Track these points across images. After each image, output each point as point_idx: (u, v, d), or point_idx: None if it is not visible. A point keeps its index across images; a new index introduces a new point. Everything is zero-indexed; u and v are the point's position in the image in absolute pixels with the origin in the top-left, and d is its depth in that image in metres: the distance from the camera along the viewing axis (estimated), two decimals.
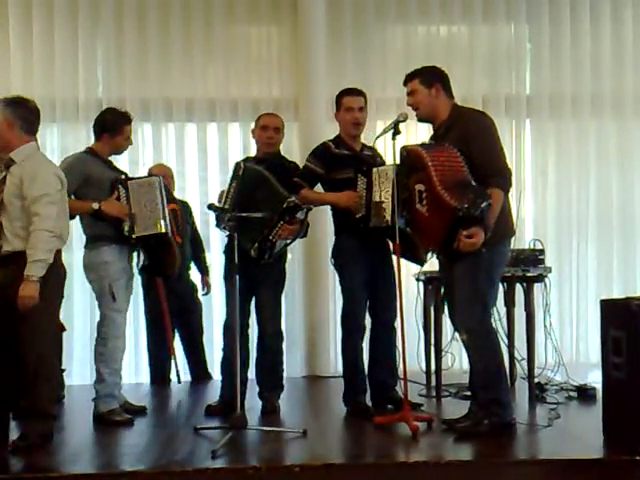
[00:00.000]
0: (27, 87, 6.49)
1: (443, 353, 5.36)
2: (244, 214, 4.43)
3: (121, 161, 6.04)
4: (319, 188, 5.00)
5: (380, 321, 4.87)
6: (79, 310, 6.41)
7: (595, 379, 4.85)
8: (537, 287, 5.24)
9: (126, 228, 4.62)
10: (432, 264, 4.62)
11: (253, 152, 5.26)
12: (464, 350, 4.47)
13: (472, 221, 3.92)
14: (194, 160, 6.73)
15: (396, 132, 4.39)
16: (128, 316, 4.89)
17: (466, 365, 4.48)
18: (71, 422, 4.88)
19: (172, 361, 6.04)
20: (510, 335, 5.45)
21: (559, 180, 6.84)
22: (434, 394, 5.31)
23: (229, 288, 4.82)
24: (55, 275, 4.07)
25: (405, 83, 4.41)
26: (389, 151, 4.64)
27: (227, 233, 4.65)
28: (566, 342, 6.54)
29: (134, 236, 4.62)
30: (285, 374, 5.18)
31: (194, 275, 6.22)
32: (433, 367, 5.45)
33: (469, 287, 4.13)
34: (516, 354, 5.44)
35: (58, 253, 4.09)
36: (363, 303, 4.83)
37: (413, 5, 6.81)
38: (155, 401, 5.48)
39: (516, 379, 5.52)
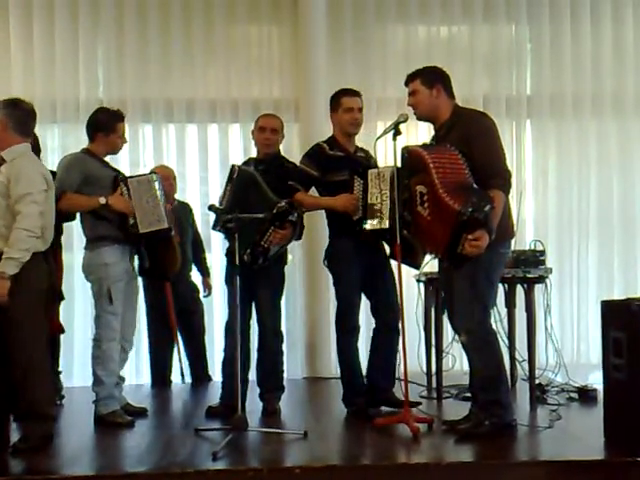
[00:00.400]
0: (28, 87, 6.51)
1: (444, 354, 5.35)
2: (243, 215, 4.43)
3: (122, 162, 6.07)
4: (314, 190, 4.99)
5: (383, 322, 4.87)
6: (79, 312, 6.41)
7: (596, 380, 4.85)
8: (538, 288, 5.23)
9: (131, 223, 4.61)
10: (432, 265, 4.61)
11: (254, 153, 5.26)
12: (464, 351, 4.47)
13: (476, 225, 3.90)
14: (195, 161, 6.73)
15: (397, 133, 4.39)
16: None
17: (467, 366, 4.47)
18: (71, 424, 4.88)
19: (179, 361, 6.05)
20: (511, 336, 5.45)
21: (560, 180, 6.83)
22: (435, 395, 5.30)
23: (230, 290, 4.82)
24: (34, 276, 4.05)
25: (406, 83, 4.40)
26: (389, 152, 4.65)
27: (223, 235, 4.66)
28: (567, 343, 6.53)
29: (139, 232, 4.62)
30: (286, 375, 5.18)
31: (195, 276, 6.21)
32: (434, 368, 5.45)
33: (468, 289, 4.13)
34: (517, 355, 5.43)
35: (40, 254, 4.06)
36: (357, 305, 4.83)
37: (413, 5, 6.80)
38: (156, 403, 5.48)
39: (517, 380, 5.52)
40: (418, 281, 5.53)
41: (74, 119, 6.52)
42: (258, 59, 6.78)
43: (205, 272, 6.24)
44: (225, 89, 6.75)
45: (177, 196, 6.07)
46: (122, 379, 4.96)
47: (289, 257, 5.20)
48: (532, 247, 5.35)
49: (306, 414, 5.14)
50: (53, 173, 4.81)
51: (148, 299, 5.99)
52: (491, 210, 3.92)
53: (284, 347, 5.08)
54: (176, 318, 6.04)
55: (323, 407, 5.43)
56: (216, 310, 6.37)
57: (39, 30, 6.60)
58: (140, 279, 5.12)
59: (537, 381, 5.19)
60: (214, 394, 5.16)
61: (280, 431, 4.44)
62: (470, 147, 4.08)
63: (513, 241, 4.46)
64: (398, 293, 4.48)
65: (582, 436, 4.21)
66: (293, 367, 6.34)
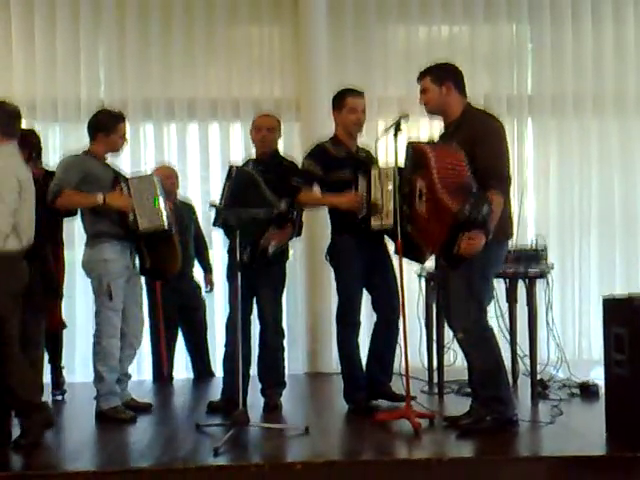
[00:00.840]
0: (29, 87, 6.53)
1: (445, 349, 5.35)
2: (242, 211, 4.46)
3: (123, 160, 6.07)
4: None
5: (383, 318, 4.88)
6: (81, 308, 6.42)
7: (598, 376, 4.84)
8: (539, 284, 5.22)
9: (131, 219, 4.62)
10: (434, 260, 4.62)
11: (254, 152, 5.26)
12: (461, 349, 4.47)
13: (473, 226, 3.90)
14: (196, 160, 6.74)
15: (398, 131, 4.40)
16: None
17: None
18: (73, 419, 4.90)
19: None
20: (512, 332, 5.45)
21: (561, 179, 6.84)
22: (436, 391, 5.31)
23: (231, 286, 4.83)
24: (12, 276, 4.03)
25: (418, 80, 4.40)
26: (390, 150, 4.65)
27: (223, 232, 4.68)
28: (568, 339, 6.53)
29: (139, 230, 4.63)
30: (287, 371, 5.20)
31: (197, 273, 6.22)
32: (435, 364, 5.44)
33: (464, 287, 4.13)
34: (518, 351, 5.44)
35: (14, 253, 4.04)
36: (358, 300, 4.85)
37: (414, 5, 6.82)
38: (157, 398, 5.47)
39: (518, 376, 5.52)
40: (419, 276, 5.53)
41: (75, 118, 6.54)
42: (259, 58, 6.79)
43: (207, 268, 6.26)
44: (226, 88, 6.76)
45: (179, 194, 6.08)
46: (128, 376, 4.97)
47: (290, 252, 5.21)
48: (534, 243, 5.36)
49: (307, 409, 5.14)
50: (53, 173, 4.85)
51: (149, 296, 5.99)
52: (489, 212, 3.91)
53: (285, 343, 5.09)
54: (178, 315, 6.06)
55: (324, 403, 5.43)
56: (217, 306, 6.37)
57: (40, 30, 6.62)
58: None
59: (539, 377, 5.18)
60: (215, 390, 5.16)
61: (281, 427, 4.46)
62: (474, 148, 4.07)
63: (515, 237, 4.46)
64: (399, 289, 4.48)
65: (584, 432, 4.21)
66: (294, 362, 6.35)
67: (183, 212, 5.93)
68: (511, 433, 4.16)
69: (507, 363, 4.44)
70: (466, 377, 4.59)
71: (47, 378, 5.27)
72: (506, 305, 5.39)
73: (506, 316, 5.36)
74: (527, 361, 5.22)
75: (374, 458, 3.91)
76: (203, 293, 6.23)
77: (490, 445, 3.99)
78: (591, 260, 6.79)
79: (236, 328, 4.40)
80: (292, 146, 6.58)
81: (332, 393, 5.44)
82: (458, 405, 4.66)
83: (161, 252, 4.85)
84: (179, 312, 6.07)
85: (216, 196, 5.22)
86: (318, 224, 5.68)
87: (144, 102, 6.65)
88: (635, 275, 6.72)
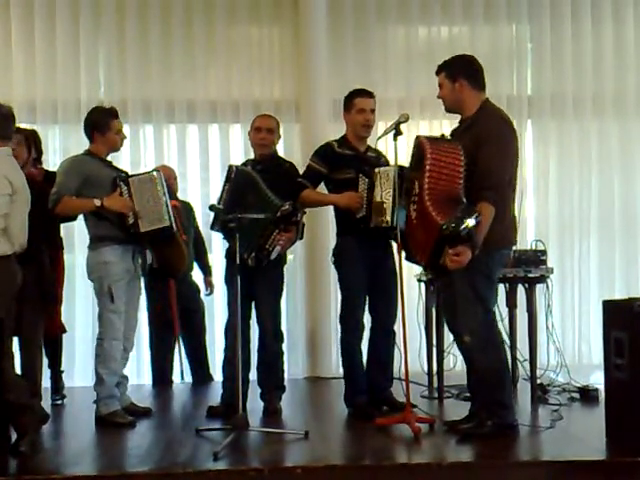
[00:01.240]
0: (29, 88, 6.52)
1: (445, 354, 5.35)
2: (242, 215, 4.44)
3: (123, 162, 6.07)
4: (322, 188, 5.01)
5: (379, 324, 4.89)
6: (81, 311, 6.41)
7: (597, 380, 4.84)
8: (539, 288, 5.23)
9: (130, 222, 4.61)
10: None
11: (253, 153, 5.25)
12: (462, 353, 4.46)
13: (458, 240, 3.89)
14: (195, 161, 6.73)
15: (397, 133, 4.40)
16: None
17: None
18: (73, 424, 4.89)
19: (179, 361, 6.06)
20: (512, 336, 5.43)
21: (561, 180, 6.83)
22: (436, 395, 5.30)
23: (230, 290, 4.82)
24: (2, 279, 4.02)
25: (436, 74, 4.37)
26: (390, 152, 4.64)
27: (222, 235, 4.66)
28: (568, 343, 6.53)
29: (140, 231, 4.62)
30: (287, 375, 5.20)
31: (196, 276, 6.21)
32: (435, 368, 5.44)
33: (469, 290, 4.12)
34: (518, 355, 5.43)
35: (8, 258, 4.03)
36: (361, 302, 4.84)
37: (414, 6, 6.80)
38: (157, 402, 5.47)
39: (518, 380, 5.52)
40: (419, 281, 5.53)
41: (75, 120, 6.50)
42: (259, 60, 6.78)
43: (207, 271, 6.25)
44: (226, 90, 6.75)
45: (178, 196, 6.06)
46: (125, 378, 4.97)
47: (289, 257, 5.21)
48: (533, 247, 5.36)
49: (307, 414, 5.14)
50: (54, 174, 4.84)
51: (149, 299, 5.99)
52: (475, 226, 3.89)
53: (284, 347, 5.09)
54: (178, 317, 6.05)
55: (324, 407, 5.43)
56: (217, 310, 6.37)
57: (40, 31, 6.60)
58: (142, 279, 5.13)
59: (538, 381, 5.20)
60: (215, 394, 5.16)
61: (281, 431, 4.44)
62: (478, 150, 4.06)
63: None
64: (399, 294, 4.47)
65: (583, 436, 4.21)
66: (294, 367, 6.35)
67: (182, 213, 5.91)
68: (511, 438, 4.15)
69: (510, 369, 4.42)
70: (465, 382, 4.58)
71: (46, 383, 5.26)
72: (506, 309, 5.38)
73: (506, 320, 5.34)
74: (527, 365, 5.23)
75: (374, 463, 3.90)
76: (202, 296, 6.22)
77: (490, 450, 3.99)
78: (591, 263, 6.77)
79: (235, 332, 4.39)
80: (292, 147, 6.59)
81: (332, 397, 5.44)
82: (458, 410, 4.65)
83: (166, 251, 4.85)
84: (178, 315, 6.05)
85: (216, 198, 5.21)
86: (319, 227, 5.69)
87: (144, 103, 6.64)
88: (635, 279, 6.71)
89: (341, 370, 5.05)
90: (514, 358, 5.42)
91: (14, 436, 4.10)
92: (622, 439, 3.92)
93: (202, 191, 6.67)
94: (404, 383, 4.37)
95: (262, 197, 4.74)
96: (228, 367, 4.80)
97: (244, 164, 5.13)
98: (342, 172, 4.82)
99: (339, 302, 5.06)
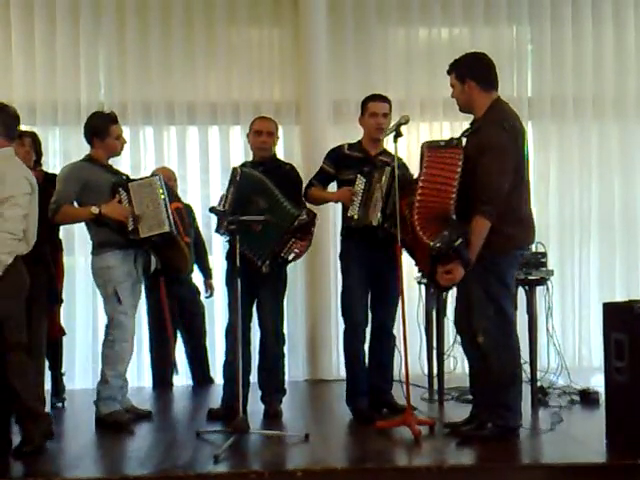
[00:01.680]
0: (29, 90, 6.51)
1: (445, 356, 5.35)
2: (245, 217, 4.44)
3: (123, 164, 6.07)
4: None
5: (379, 326, 4.90)
6: (81, 314, 6.39)
7: (598, 383, 4.84)
8: (539, 290, 5.22)
9: (130, 228, 4.62)
10: None
11: (252, 155, 5.24)
12: (464, 354, 4.46)
13: (446, 259, 3.93)
14: (196, 163, 6.71)
15: (397, 135, 4.40)
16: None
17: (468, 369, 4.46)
18: (73, 426, 4.89)
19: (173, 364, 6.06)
20: None
21: (561, 182, 6.82)
22: (436, 398, 5.30)
23: (231, 292, 4.82)
24: (14, 279, 4.03)
25: (448, 74, 4.36)
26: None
27: (227, 238, 4.66)
28: (568, 345, 6.51)
29: (140, 237, 4.62)
30: (287, 378, 5.19)
31: (196, 278, 6.21)
32: (435, 371, 5.44)
33: (481, 291, 4.13)
34: None
35: (18, 259, 4.05)
36: (358, 302, 4.85)
37: (414, 7, 6.79)
38: (157, 405, 5.47)
39: None
40: (419, 283, 5.53)
41: (75, 122, 6.50)
42: (259, 61, 6.76)
43: (207, 273, 6.24)
44: (226, 91, 6.74)
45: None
46: (125, 381, 4.96)
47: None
48: (534, 249, 5.34)
49: (307, 417, 5.13)
50: (54, 175, 4.85)
51: (149, 301, 5.99)
52: (463, 243, 3.90)
53: (285, 349, 5.08)
54: (177, 320, 6.04)
55: (325, 410, 5.42)
56: (217, 312, 6.36)
57: (40, 33, 6.58)
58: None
59: (539, 384, 5.18)
60: (215, 397, 5.15)
61: (281, 434, 4.45)
62: (479, 159, 4.05)
63: None
64: (400, 297, 4.48)
65: (584, 439, 4.21)
66: (294, 369, 6.33)
67: (184, 212, 5.91)
68: (511, 440, 4.15)
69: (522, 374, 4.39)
70: (466, 384, 4.58)
71: (47, 385, 5.26)
72: None
73: None
74: (527, 368, 5.20)
75: (374, 465, 3.89)
76: (202, 298, 6.22)
77: (490, 452, 4.00)
78: (591, 266, 6.76)
79: (236, 335, 4.40)
80: (292, 149, 6.59)
81: (332, 400, 5.44)
82: (458, 412, 4.65)
83: (168, 254, 4.85)
84: (178, 317, 6.05)
85: (216, 200, 5.19)
86: (320, 229, 5.66)
87: (144, 105, 6.63)
88: (635, 281, 6.70)
89: (342, 372, 5.06)
90: None
91: (14, 438, 4.12)
92: (622, 442, 3.93)
93: (202, 193, 6.65)
94: (404, 386, 4.37)
95: (274, 201, 4.73)
96: (228, 369, 4.80)
97: (243, 165, 5.12)
98: (346, 173, 4.88)
99: (340, 304, 5.07)
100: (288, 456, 4.14)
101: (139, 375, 6.35)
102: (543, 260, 5.21)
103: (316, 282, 6.47)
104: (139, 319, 6.21)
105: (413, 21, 6.82)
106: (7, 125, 4.15)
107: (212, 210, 4.73)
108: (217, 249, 6.38)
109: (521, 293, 5.30)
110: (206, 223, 6.31)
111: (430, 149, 4.20)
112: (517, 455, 4.09)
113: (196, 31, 6.67)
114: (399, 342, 4.77)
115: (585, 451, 3.98)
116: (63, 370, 5.52)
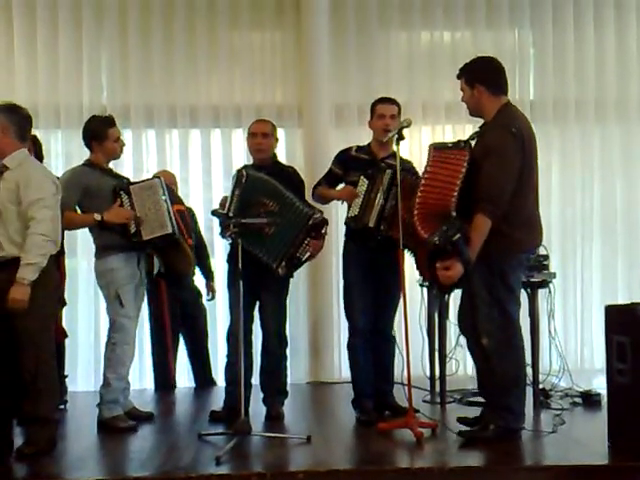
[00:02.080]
0: (31, 93, 6.52)
1: (447, 359, 5.35)
2: (247, 220, 4.44)
3: (125, 167, 6.08)
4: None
5: (378, 329, 4.90)
6: (83, 316, 6.40)
7: (600, 385, 4.84)
8: (541, 292, 5.23)
9: (132, 231, 4.62)
10: None
11: (252, 159, 5.23)
12: (469, 356, 4.46)
13: (444, 254, 3.92)
14: (198, 166, 6.72)
15: (400, 138, 4.41)
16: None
17: (470, 371, 4.46)
18: (75, 428, 4.88)
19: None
20: None
21: (563, 185, 6.82)
22: (438, 400, 5.30)
23: (233, 295, 4.82)
24: (51, 280, 4.10)
25: (458, 78, 4.38)
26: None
27: (231, 241, 4.65)
28: (571, 348, 6.50)
29: (142, 239, 4.63)
30: (289, 380, 5.18)
31: (198, 281, 6.22)
32: (437, 373, 5.44)
33: (485, 293, 4.13)
34: None
35: (52, 258, 4.09)
36: (358, 307, 4.85)
37: (417, 11, 6.80)
38: (159, 407, 5.48)
39: None
40: (421, 285, 5.53)
41: (78, 125, 6.43)
42: (261, 65, 6.78)
43: (209, 276, 6.24)
44: (228, 95, 6.75)
45: None
46: (128, 383, 4.96)
47: None
48: (536, 252, 5.34)
49: (309, 419, 5.13)
50: (57, 178, 4.86)
51: (151, 304, 6.00)
52: (461, 239, 3.90)
53: (287, 351, 5.07)
54: (179, 323, 6.06)
55: (326, 412, 5.42)
56: (219, 314, 6.37)
57: (43, 36, 6.60)
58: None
59: (541, 386, 5.17)
60: (217, 399, 5.16)
61: (283, 436, 4.45)
62: (484, 162, 4.06)
63: None
64: (401, 299, 4.48)
65: (586, 441, 4.22)
66: (296, 372, 6.33)
67: (187, 213, 5.92)
68: (513, 442, 4.15)
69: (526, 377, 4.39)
70: (468, 387, 4.58)
71: None
72: None
73: None
74: (529, 370, 5.20)
75: (376, 467, 3.90)
76: (204, 301, 6.22)
77: (492, 454, 4.00)
78: (593, 268, 6.76)
79: (237, 337, 4.40)
80: (294, 152, 6.60)
81: (334, 402, 5.45)
82: (460, 414, 4.63)
83: (170, 256, 4.86)
84: (180, 320, 6.06)
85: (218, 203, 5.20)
86: None
87: (146, 109, 6.64)
88: (638, 283, 6.69)
89: (343, 375, 5.06)
90: None
91: (16, 440, 4.12)
92: (624, 444, 3.92)
93: (204, 196, 6.65)
94: (406, 388, 4.37)
95: (286, 202, 4.70)
96: (230, 371, 4.79)
97: (244, 168, 5.10)
98: (352, 174, 4.90)
99: (342, 307, 5.07)
100: (290, 458, 4.14)
101: (141, 377, 6.35)
102: (545, 262, 5.23)
103: (318, 284, 6.47)
104: (141, 321, 6.25)
105: (415, 25, 6.84)
106: (20, 126, 4.16)
107: (214, 213, 4.73)
108: (219, 251, 6.39)
109: (523, 295, 5.26)
110: (208, 226, 6.31)
111: (436, 149, 4.24)
112: (519, 457, 4.08)
113: (198, 34, 6.69)
114: (401, 344, 4.77)
115: (587, 453, 3.98)
116: (65, 373, 5.52)
